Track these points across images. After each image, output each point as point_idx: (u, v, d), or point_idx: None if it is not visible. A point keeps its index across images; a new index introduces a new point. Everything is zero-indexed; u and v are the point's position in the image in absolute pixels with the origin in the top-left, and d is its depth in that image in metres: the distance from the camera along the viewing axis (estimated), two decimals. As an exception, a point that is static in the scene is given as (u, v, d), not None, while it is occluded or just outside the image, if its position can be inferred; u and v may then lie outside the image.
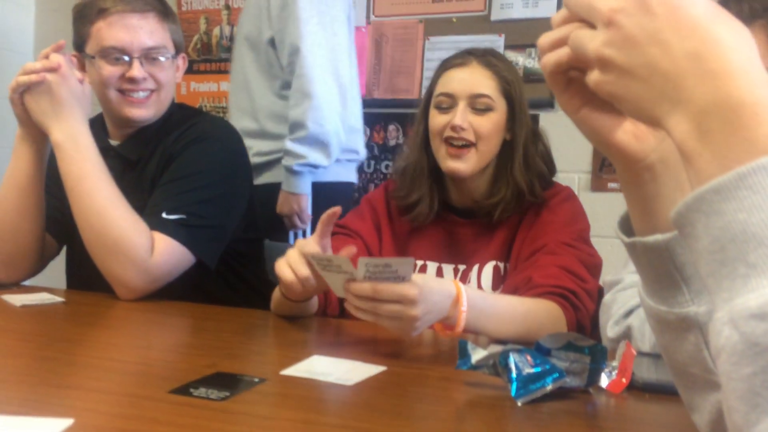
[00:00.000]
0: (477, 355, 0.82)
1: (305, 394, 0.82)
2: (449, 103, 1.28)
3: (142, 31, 1.40)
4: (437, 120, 1.29)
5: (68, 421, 0.52)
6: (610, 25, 0.49)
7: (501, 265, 1.30)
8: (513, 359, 0.81)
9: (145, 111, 1.43)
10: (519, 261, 1.26)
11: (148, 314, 1.25)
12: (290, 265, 1.05)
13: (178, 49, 1.49)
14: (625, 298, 1.09)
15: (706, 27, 0.47)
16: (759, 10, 0.99)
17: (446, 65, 1.32)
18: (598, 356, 0.80)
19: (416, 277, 0.96)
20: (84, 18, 1.42)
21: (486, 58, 1.30)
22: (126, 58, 1.40)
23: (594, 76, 0.51)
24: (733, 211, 0.43)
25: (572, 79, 0.57)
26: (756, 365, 0.40)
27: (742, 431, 0.41)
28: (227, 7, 2.95)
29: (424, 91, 1.60)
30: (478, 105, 1.27)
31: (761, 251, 0.41)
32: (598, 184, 2.43)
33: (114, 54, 1.39)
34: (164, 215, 1.34)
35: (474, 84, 1.27)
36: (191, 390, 0.79)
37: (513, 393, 0.78)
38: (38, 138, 1.36)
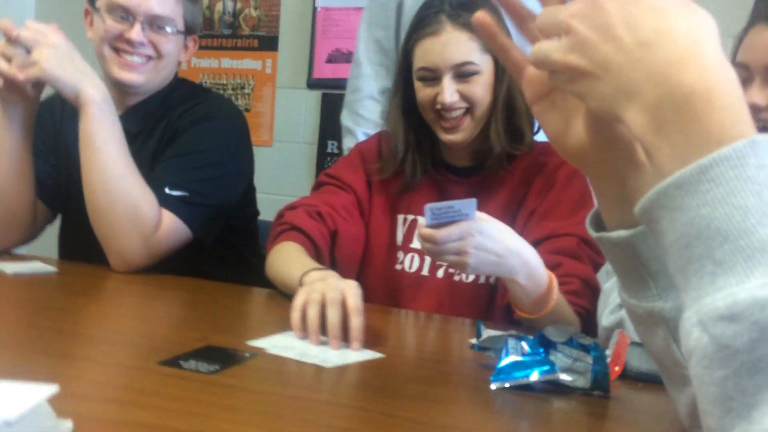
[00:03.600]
0: (485, 336, 0.82)
1: (297, 371, 0.81)
2: (432, 75, 1.21)
3: None
4: (424, 93, 1.22)
5: (53, 388, 0.51)
6: (568, 32, 0.49)
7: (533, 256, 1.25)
8: (508, 344, 0.80)
9: (136, 76, 1.40)
10: (527, 237, 1.18)
11: (140, 287, 1.24)
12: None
13: (190, 30, 1.46)
14: None
15: (656, 16, 0.46)
16: None
17: (419, 33, 1.22)
18: (601, 358, 0.77)
19: (485, 219, 1.00)
20: None
21: (460, 16, 1.19)
22: (129, 18, 1.37)
23: (563, 81, 0.51)
24: (696, 206, 0.42)
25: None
26: (727, 368, 0.39)
27: None
28: (230, -18, 2.92)
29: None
30: (462, 72, 1.19)
31: (727, 247, 0.40)
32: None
33: (119, 12, 1.37)
34: (167, 190, 1.32)
35: (454, 53, 1.18)
36: (181, 362, 0.78)
37: (492, 376, 0.78)
38: (22, 103, 1.32)
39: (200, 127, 1.41)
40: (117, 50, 1.39)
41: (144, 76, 1.41)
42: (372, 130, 2.00)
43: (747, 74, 1.01)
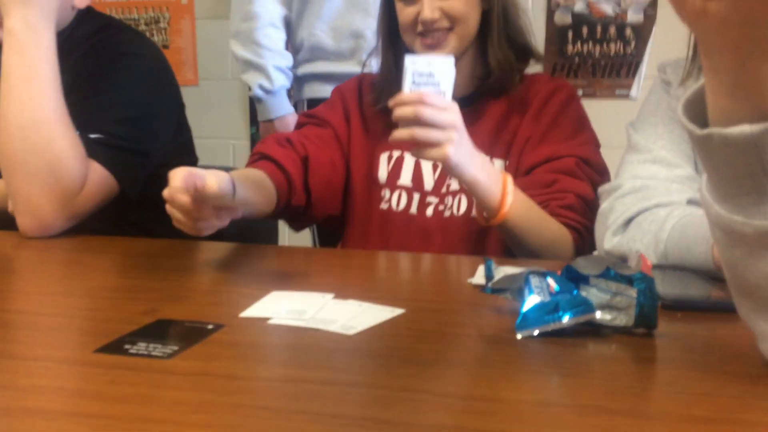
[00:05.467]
0: (499, 276, 0.67)
1: (279, 342, 0.65)
2: None
3: None
4: (405, 13, 1.16)
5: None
6: None
7: (489, 160, 1.18)
8: (530, 282, 0.66)
9: None
10: (524, 164, 1.15)
11: (64, 253, 1.04)
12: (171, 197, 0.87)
13: None
14: (623, 206, 0.97)
15: None
16: None
17: None
18: (649, 290, 0.64)
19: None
20: None
21: None
22: None
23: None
24: None
25: None
26: None
27: None
28: None
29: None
30: None
31: None
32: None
33: None
34: (78, 133, 1.12)
35: None
36: (126, 346, 0.61)
37: (517, 323, 0.64)
38: None
39: (108, 67, 1.22)
40: None
41: None
42: (283, 62, 1.86)
43: None
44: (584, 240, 1.07)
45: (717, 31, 0.43)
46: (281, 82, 1.87)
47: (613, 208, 0.99)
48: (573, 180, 1.10)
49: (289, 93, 1.93)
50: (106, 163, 1.15)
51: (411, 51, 1.17)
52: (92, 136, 1.14)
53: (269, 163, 1.13)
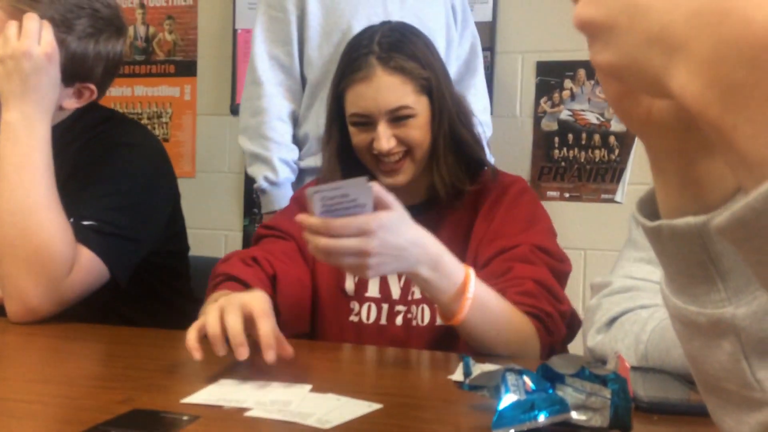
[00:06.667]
0: (477, 373, 0.68)
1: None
2: (366, 120, 1.15)
3: None
4: (359, 139, 1.16)
5: None
6: None
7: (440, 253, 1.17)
8: (507, 380, 0.67)
9: None
10: (480, 261, 1.13)
11: (45, 340, 1.04)
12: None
13: (74, 76, 1.23)
14: (609, 304, 0.98)
15: None
16: None
17: (349, 78, 1.15)
18: (622, 391, 0.65)
19: (385, 213, 0.90)
20: None
21: (392, 60, 1.13)
22: None
23: (590, 53, 0.39)
24: None
25: None
26: None
27: None
28: (142, 5, 2.73)
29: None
30: (398, 117, 1.13)
31: None
32: (537, 192, 2.36)
33: None
34: (71, 221, 1.14)
35: (388, 98, 1.13)
36: (100, 436, 0.61)
37: (493, 422, 0.64)
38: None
39: (106, 156, 1.24)
40: None
41: None
42: (289, 155, 1.87)
43: None
44: (546, 326, 1.03)
45: (661, 137, 0.46)
46: (286, 174, 1.87)
47: (600, 306, 1.00)
48: (528, 266, 1.07)
49: (293, 185, 1.95)
50: (97, 249, 1.15)
51: (364, 168, 1.17)
52: (85, 223, 1.16)
53: (237, 285, 1.07)
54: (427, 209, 1.20)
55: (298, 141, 1.92)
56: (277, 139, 1.85)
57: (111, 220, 1.19)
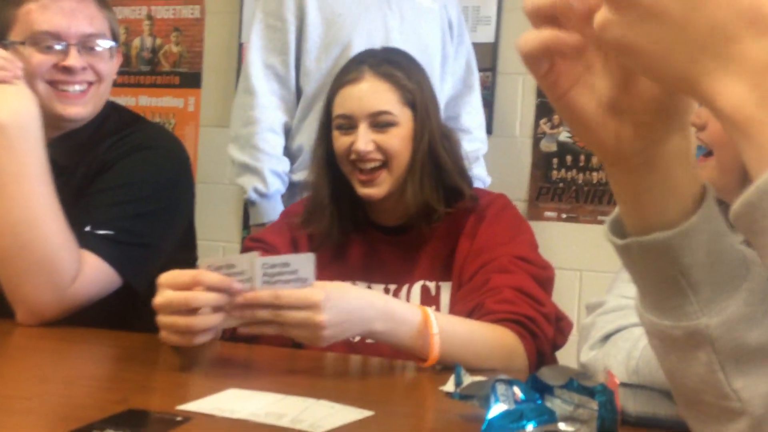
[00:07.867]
0: (467, 383, 0.69)
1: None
2: (349, 123, 1.17)
3: (81, 15, 1.22)
4: (340, 143, 1.18)
5: None
6: None
7: (431, 284, 1.19)
8: (496, 390, 0.68)
9: (82, 108, 1.23)
10: (464, 279, 1.14)
11: (51, 342, 1.05)
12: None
13: (116, 40, 1.31)
14: (603, 322, 1.00)
15: None
16: None
17: (340, 81, 1.20)
18: (609, 403, 0.66)
19: (327, 283, 0.90)
20: (7, 0, 1.23)
21: (382, 67, 1.17)
22: (60, 45, 1.20)
23: (602, 16, 0.39)
24: None
25: (555, 62, 0.46)
26: None
27: None
28: (149, 17, 2.77)
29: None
30: (379, 122, 1.15)
31: None
32: (534, 212, 2.37)
33: (47, 41, 1.20)
34: (88, 229, 1.14)
35: (371, 101, 1.16)
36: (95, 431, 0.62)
37: (482, 430, 0.65)
38: None
39: (131, 159, 1.25)
40: (53, 83, 1.21)
41: (90, 105, 1.24)
42: (280, 167, 1.85)
43: None
44: (528, 329, 1.03)
45: (615, 161, 0.48)
46: (276, 186, 1.85)
47: (594, 324, 1.02)
48: (505, 275, 1.08)
49: (283, 198, 1.93)
50: (108, 257, 1.14)
51: (347, 179, 1.18)
52: (100, 232, 1.15)
53: None
54: (408, 230, 1.21)
55: (291, 153, 1.91)
56: (269, 151, 1.83)
57: (129, 228, 1.18)
